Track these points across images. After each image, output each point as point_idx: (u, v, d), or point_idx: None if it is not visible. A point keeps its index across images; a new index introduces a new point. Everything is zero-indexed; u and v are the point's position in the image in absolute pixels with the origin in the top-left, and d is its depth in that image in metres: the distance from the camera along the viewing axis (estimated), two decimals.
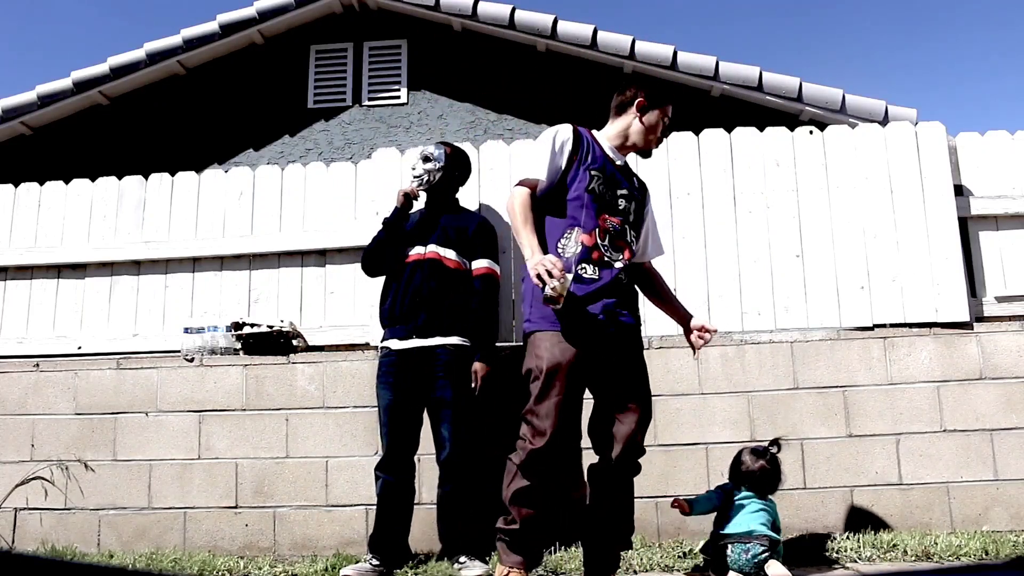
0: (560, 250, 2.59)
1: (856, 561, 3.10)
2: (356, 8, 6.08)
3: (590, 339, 2.56)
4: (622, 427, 2.60)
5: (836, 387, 3.58)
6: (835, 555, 3.16)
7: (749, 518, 2.88)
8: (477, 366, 3.29)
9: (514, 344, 3.55)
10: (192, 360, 3.84)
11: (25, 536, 3.71)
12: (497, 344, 3.52)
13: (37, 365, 3.93)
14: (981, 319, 3.66)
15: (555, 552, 3.27)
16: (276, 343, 3.78)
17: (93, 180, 4.23)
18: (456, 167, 3.54)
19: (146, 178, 4.18)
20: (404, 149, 4.15)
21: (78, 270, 4.11)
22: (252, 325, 3.80)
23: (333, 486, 3.63)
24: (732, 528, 2.89)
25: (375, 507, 3.30)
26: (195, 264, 4.04)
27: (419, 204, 3.59)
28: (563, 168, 2.67)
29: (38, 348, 4.01)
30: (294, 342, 3.82)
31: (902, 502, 3.46)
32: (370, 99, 6.01)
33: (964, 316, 3.62)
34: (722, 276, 3.74)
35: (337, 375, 3.73)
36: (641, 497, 3.03)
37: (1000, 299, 3.70)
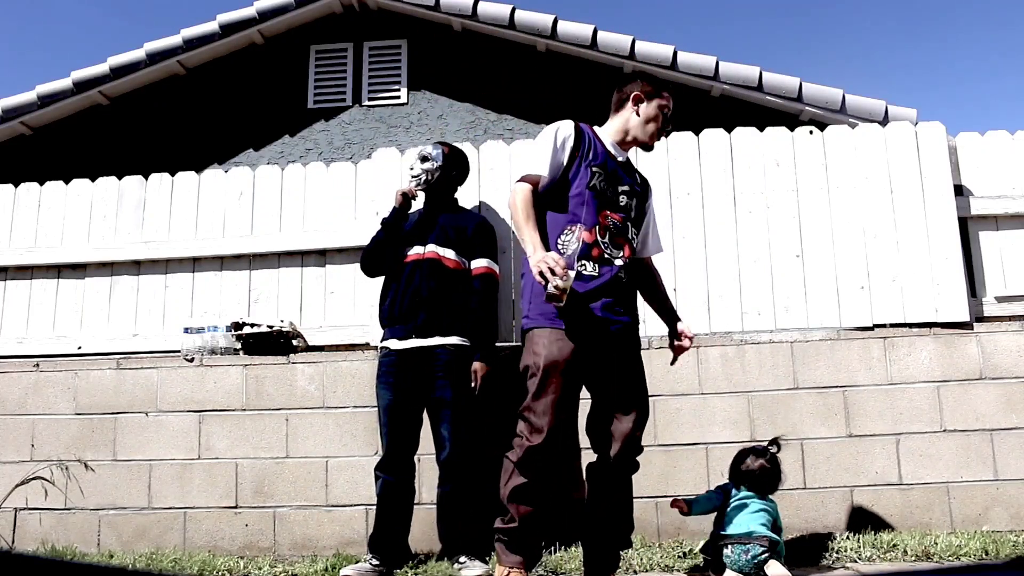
0: (560, 246, 2.59)
1: (856, 561, 3.10)
2: (356, 8, 6.08)
3: (588, 337, 2.56)
4: (620, 425, 2.60)
5: (836, 387, 3.58)
6: (835, 555, 3.15)
7: (749, 518, 2.88)
8: (477, 366, 3.29)
9: (514, 344, 3.55)
10: (192, 360, 3.84)
11: (25, 536, 3.71)
12: (497, 344, 3.52)
13: (37, 365, 3.94)
14: (981, 319, 3.66)
15: (555, 552, 3.27)
16: (276, 343, 3.78)
17: (93, 180, 4.23)
18: (454, 167, 3.54)
19: (146, 178, 4.18)
20: (404, 149, 4.15)
21: (78, 270, 4.11)
22: (252, 325, 3.80)
23: (333, 486, 3.63)
24: (732, 528, 2.89)
25: (375, 507, 3.30)
26: (195, 264, 4.04)
27: (418, 204, 3.59)
28: (565, 164, 2.67)
29: (38, 348, 4.01)
30: (294, 342, 3.82)
31: (902, 502, 3.46)
32: (370, 99, 6.01)
33: (964, 316, 3.62)
34: (722, 276, 3.74)
35: (337, 375, 3.73)
36: (641, 497, 3.03)
37: (1000, 299, 3.70)
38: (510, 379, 2.70)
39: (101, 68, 5.81)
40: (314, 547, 3.57)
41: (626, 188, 2.73)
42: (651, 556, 3.21)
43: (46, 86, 5.82)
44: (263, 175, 4.12)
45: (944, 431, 3.51)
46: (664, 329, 3.56)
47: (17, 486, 3.45)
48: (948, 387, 3.55)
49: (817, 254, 3.74)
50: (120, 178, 4.20)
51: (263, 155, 5.88)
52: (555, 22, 5.50)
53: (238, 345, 3.84)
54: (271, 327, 3.76)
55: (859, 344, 3.62)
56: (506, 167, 3.87)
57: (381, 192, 3.89)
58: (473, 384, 3.27)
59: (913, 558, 3.08)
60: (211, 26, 5.84)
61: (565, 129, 2.71)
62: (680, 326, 2.84)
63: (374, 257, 3.50)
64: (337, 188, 4.03)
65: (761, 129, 3.93)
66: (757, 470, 2.97)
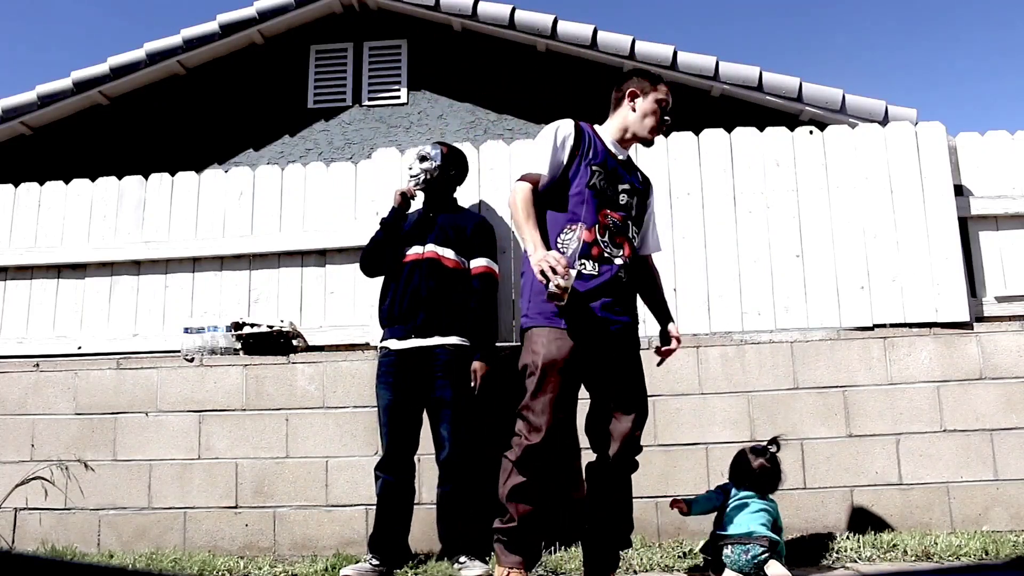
0: (560, 246, 2.59)
1: (856, 561, 3.10)
2: (356, 8, 6.08)
3: (588, 336, 2.57)
4: (619, 425, 2.60)
5: (836, 387, 3.58)
6: (835, 555, 3.15)
7: (749, 518, 2.88)
8: (476, 365, 3.29)
9: (514, 344, 3.55)
10: (192, 360, 3.84)
11: (25, 536, 3.71)
12: (497, 344, 3.52)
13: (37, 365, 3.94)
14: (981, 319, 3.66)
15: (555, 552, 3.27)
16: (276, 343, 3.78)
17: (93, 180, 4.23)
18: (453, 166, 3.54)
19: (146, 178, 4.18)
20: (404, 149, 4.15)
21: (78, 270, 4.11)
22: (252, 325, 3.80)
23: (333, 486, 3.63)
24: (732, 528, 2.89)
25: (375, 507, 3.30)
26: (195, 264, 4.04)
27: (417, 204, 3.59)
28: (564, 163, 2.67)
29: (38, 348, 4.01)
30: (294, 342, 3.82)
31: (902, 502, 3.46)
32: (370, 99, 6.01)
33: (964, 316, 3.62)
34: (722, 276, 3.74)
35: (337, 375, 3.73)
36: (641, 497, 3.03)
37: (1000, 299, 3.71)
38: (510, 379, 2.70)
39: (101, 68, 5.81)
40: (314, 547, 3.57)
41: (627, 187, 2.73)
42: (651, 556, 3.21)
43: (46, 86, 5.82)
44: (263, 175, 4.12)
45: (944, 431, 3.51)
46: (674, 329, 3.58)
47: (17, 486, 3.45)
48: (948, 387, 3.55)
49: (817, 254, 3.74)
50: (120, 178, 4.20)
51: (263, 155, 5.88)
52: (555, 22, 5.50)
53: (238, 345, 3.84)
54: (271, 327, 3.77)
55: (859, 344, 3.62)
56: (506, 167, 3.87)
57: (381, 192, 3.89)
58: (473, 384, 3.27)
59: (913, 558, 3.08)
60: (211, 26, 5.84)
61: (565, 128, 2.71)
62: (671, 327, 2.84)
63: (373, 257, 3.49)
64: (337, 188, 4.03)
65: (761, 129, 3.93)
66: (757, 469, 2.97)
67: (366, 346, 3.78)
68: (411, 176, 3.51)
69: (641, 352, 2.74)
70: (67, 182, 4.25)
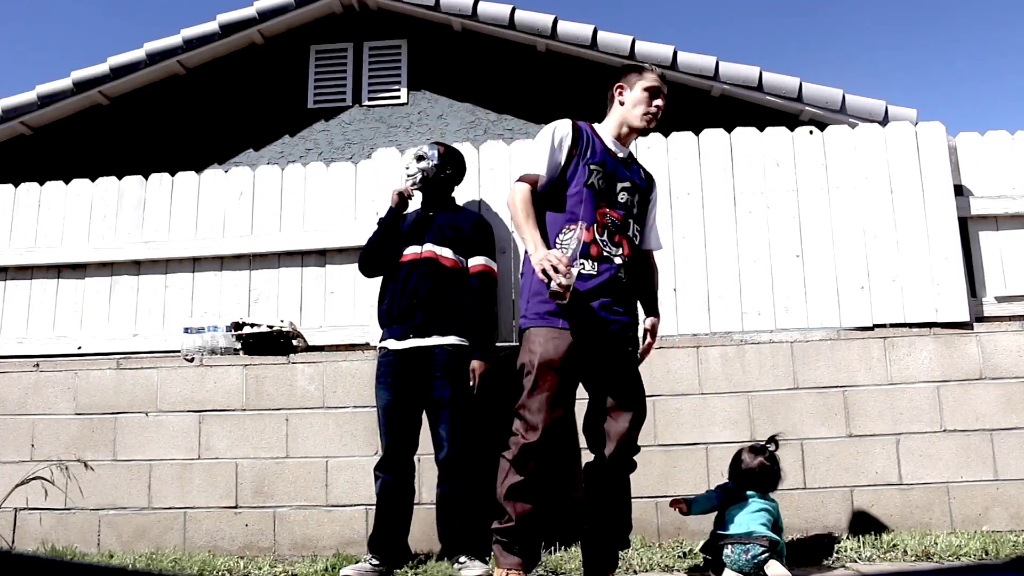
0: (559, 246, 2.59)
1: (856, 561, 3.10)
2: (356, 8, 6.08)
3: (586, 335, 2.57)
4: (616, 425, 2.60)
5: (836, 387, 3.58)
6: (835, 555, 3.15)
7: (749, 518, 2.88)
8: (475, 364, 3.28)
9: (514, 344, 3.55)
10: (192, 360, 3.84)
11: (25, 536, 3.71)
12: (497, 344, 3.52)
13: (37, 365, 3.94)
14: (981, 319, 3.66)
15: (555, 552, 3.27)
16: (276, 343, 3.78)
17: (93, 180, 4.23)
18: (450, 165, 3.54)
19: (146, 178, 4.18)
20: (404, 149, 4.15)
21: (78, 270, 4.11)
22: (252, 325, 3.80)
23: (333, 486, 3.63)
24: (732, 528, 2.89)
25: (375, 507, 3.30)
26: (195, 264, 4.04)
27: (416, 204, 3.59)
28: (562, 164, 2.68)
29: (38, 348, 4.01)
30: (294, 342, 3.82)
31: (902, 502, 3.46)
32: (370, 99, 6.01)
33: (964, 316, 3.62)
34: (722, 276, 3.74)
35: (337, 375, 3.73)
36: (641, 497, 3.04)
37: (1000, 299, 3.71)
38: (510, 379, 2.70)
39: (101, 68, 5.81)
40: (314, 547, 3.57)
41: (627, 185, 2.73)
42: (651, 556, 3.21)
43: (46, 86, 5.82)
44: (263, 175, 4.12)
45: (944, 431, 3.51)
46: (664, 329, 3.59)
47: (17, 486, 3.45)
48: (948, 387, 3.55)
49: (817, 254, 3.74)
50: (120, 178, 4.20)
51: (263, 155, 5.88)
52: (555, 22, 5.50)
53: (238, 345, 3.84)
54: (271, 327, 3.77)
55: (859, 344, 3.62)
56: (506, 167, 3.87)
57: (381, 192, 3.89)
58: (472, 383, 3.27)
59: (913, 558, 3.08)
60: (211, 26, 5.84)
61: (562, 129, 2.72)
62: (650, 322, 2.79)
63: (371, 257, 3.50)
64: (337, 188, 4.03)
65: (761, 129, 3.93)
66: (756, 468, 2.97)
67: (366, 346, 3.78)
68: (408, 175, 3.52)
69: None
70: (67, 182, 4.25)
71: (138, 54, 5.82)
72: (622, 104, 2.78)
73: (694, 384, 3.61)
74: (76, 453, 3.70)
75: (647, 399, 2.72)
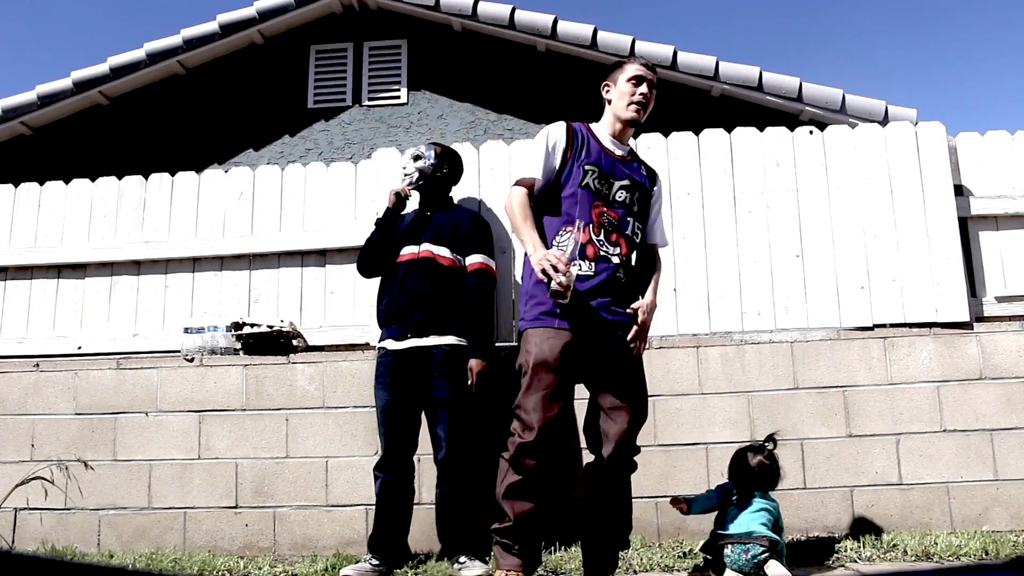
0: (556, 247, 2.60)
1: (856, 561, 3.10)
2: (356, 8, 6.08)
3: (585, 335, 2.57)
4: (615, 426, 2.60)
5: (836, 387, 3.58)
6: (835, 555, 3.15)
7: (749, 518, 2.88)
8: (473, 363, 3.28)
9: (513, 344, 3.55)
10: (192, 360, 3.84)
11: (25, 536, 3.71)
12: (497, 344, 3.52)
13: (37, 365, 3.94)
14: (981, 319, 3.66)
15: (555, 552, 3.27)
16: (276, 343, 3.78)
17: (93, 180, 4.23)
18: (447, 164, 3.55)
19: (146, 178, 4.18)
20: (404, 149, 4.14)
21: (78, 270, 4.11)
22: (252, 325, 3.80)
23: (333, 486, 3.63)
24: (732, 528, 2.89)
25: (375, 507, 3.30)
26: (195, 264, 4.04)
27: (414, 204, 3.60)
28: (557, 167, 2.69)
29: (38, 348, 4.01)
30: (294, 342, 3.82)
31: (902, 502, 3.46)
32: (370, 99, 6.01)
33: (964, 316, 3.62)
34: (722, 276, 3.74)
35: (337, 375, 3.73)
36: (641, 497, 3.03)
37: (1000, 299, 3.70)
38: (509, 379, 2.70)
39: (101, 68, 5.81)
40: (314, 547, 3.57)
41: (625, 182, 2.73)
42: (651, 556, 3.21)
43: (46, 86, 5.82)
44: (263, 175, 4.12)
45: (944, 431, 3.51)
46: (664, 329, 3.60)
47: (17, 486, 3.45)
48: (948, 387, 3.55)
49: (817, 254, 3.74)
50: (120, 178, 4.20)
51: (263, 155, 5.88)
52: (555, 22, 5.50)
53: (238, 345, 3.84)
54: (271, 327, 3.77)
55: (859, 344, 3.62)
56: (506, 167, 3.87)
57: (381, 192, 3.89)
58: (470, 381, 3.27)
59: (913, 558, 3.08)
60: (211, 26, 5.84)
61: (555, 133, 2.73)
62: (633, 305, 2.67)
63: (370, 257, 3.50)
64: (337, 188, 4.03)
65: (761, 129, 3.93)
66: (756, 467, 2.97)
67: (366, 346, 3.78)
68: (405, 175, 3.53)
69: (644, 354, 2.73)
70: (67, 182, 4.25)
71: (138, 54, 5.82)
72: (610, 101, 2.80)
73: (694, 384, 3.61)
74: (76, 453, 3.70)
75: (648, 399, 2.72)
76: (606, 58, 5.51)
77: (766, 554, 2.78)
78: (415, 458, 3.37)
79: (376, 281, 3.56)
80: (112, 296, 4.06)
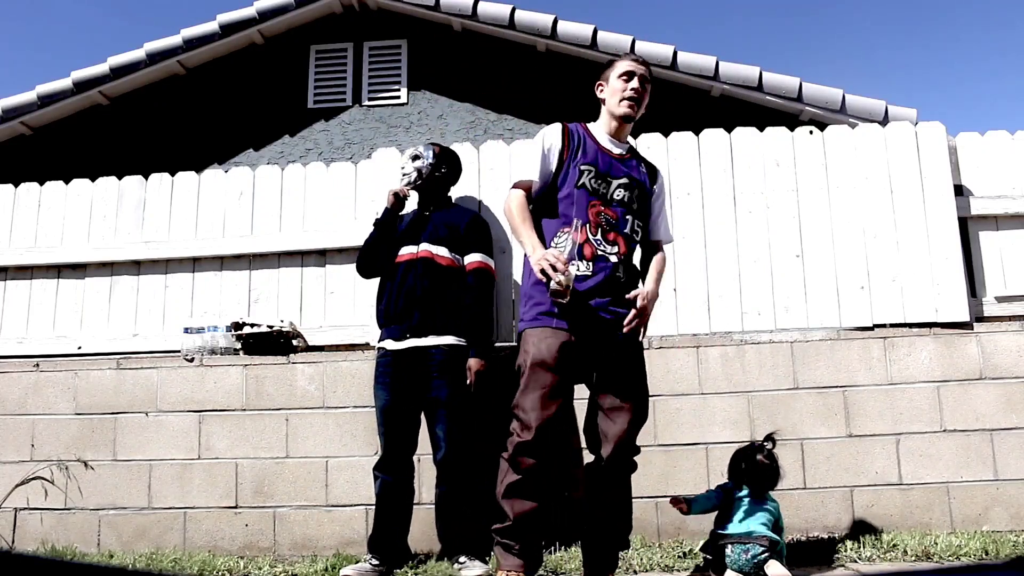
0: (555, 247, 2.60)
1: (856, 561, 3.10)
2: (356, 8, 6.08)
3: (583, 335, 2.57)
4: (613, 426, 2.60)
5: (836, 387, 3.58)
6: (835, 555, 3.15)
7: (749, 518, 2.88)
8: (472, 362, 3.28)
9: (513, 344, 3.55)
10: (192, 360, 3.84)
11: (25, 536, 3.71)
12: (497, 344, 3.52)
13: (37, 365, 3.94)
14: (981, 319, 3.66)
15: (555, 552, 3.27)
16: (276, 343, 3.78)
17: (93, 180, 4.23)
18: (445, 164, 3.55)
19: (146, 178, 4.18)
20: (404, 149, 4.14)
21: (78, 270, 4.11)
22: (252, 325, 3.80)
23: (333, 486, 3.63)
24: (732, 528, 2.89)
25: (374, 507, 3.30)
26: (195, 264, 4.04)
27: (412, 204, 3.60)
28: (554, 170, 2.71)
29: (38, 348, 4.01)
30: (294, 342, 3.82)
31: (902, 502, 3.46)
32: (370, 99, 6.01)
33: (964, 316, 3.62)
34: (722, 276, 3.74)
35: (337, 375, 3.73)
36: (641, 497, 3.03)
37: (1000, 299, 3.71)
38: (509, 379, 2.70)
39: (101, 68, 5.81)
40: (314, 547, 3.57)
41: (623, 181, 2.72)
42: (651, 556, 3.21)
43: (46, 86, 5.82)
44: (263, 175, 4.12)
45: (944, 431, 3.51)
46: (664, 329, 3.60)
47: (17, 486, 3.45)
48: (948, 387, 3.55)
49: (817, 254, 3.74)
50: (120, 178, 4.20)
51: (263, 155, 5.88)
52: (555, 22, 5.50)
53: (238, 345, 3.84)
54: (271, 327, 3.77)
55: (859, 344, 3.62)
56: (506, 167, 3.87)
57: (381, 192, 3.88)
58: (468, 381, 3.27)
59: (913, 558, 3.08)
60: (211, 26, 5.84)
61: (551, 135, 2.75)
62: (636, 291, 2.64)
63: (368, 258, 3.50)
64: (337, 188, 4.03)
65: (761, 129, 3.93)
66: (756, 467, 2.97)
67: (366, 346, 3.78)
68: (403, 174, 3.53)
69: (644, 354, 2.73)
70: (67, 182, 4.25)
71: (138, 54, 5.82)
72: (605, 100, 2.81)
73: (694, 384, 3.61)
74: (76, 453, 3.70)
75: (648, 399, 2.71)
76: (606, 58, 5.49)
77: (766, 554, 2.78)
78: (415, 458, 3.37)
79: (376, 281, 3.56)
80: (112, 296, 4.06)
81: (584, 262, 2.60)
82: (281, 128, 5.98)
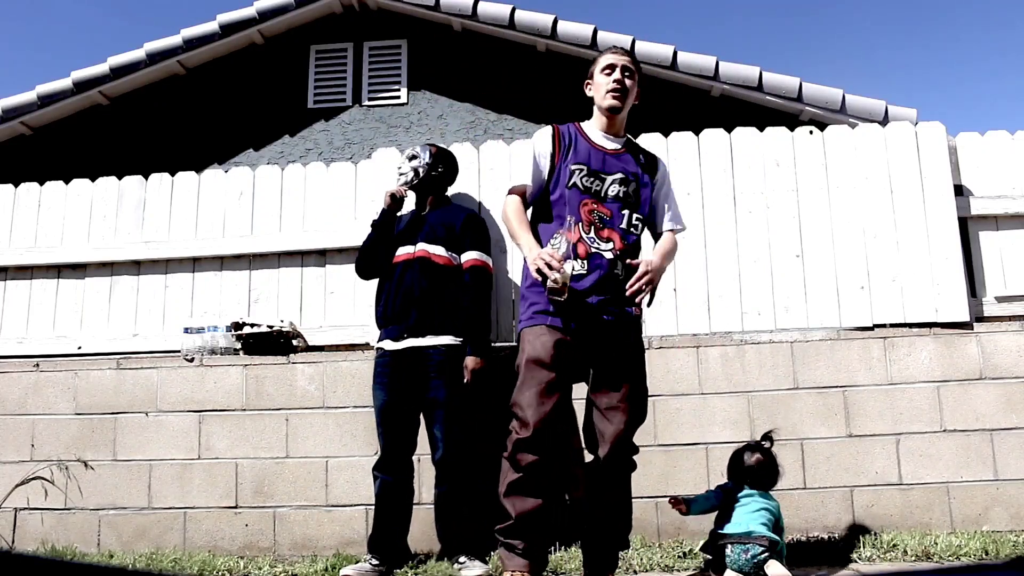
0: (550, 247, 2.61)
1: (856, 561, 3.10)
2: (356, 8, 6.08)
3: (581, 335, 2.57)
4: (610, 426, 2.59)
5: (836, 387, 3.58)
6: (835, 555, 3.15)
7: (749, 518, 2.88)
8: (468, 360, 3.28)
9: (513, 344, 3.55)
10: (192, 360, 3.84)
11: (25, 536, 3.71)
12: (497, 344, 3.52)
13: (37, 365, 3.94)
14: (981, 319, 3.66)
15: (555, 552, 3.27)
16: (276, 343, 3.78)
17: (93, 180, 4.23)
18: (441, 164, 3.56)
19: (146, 178, 4.18)
20: (404, 149, 4.14)
21: (78, 270, 4.11)
22: (252, 325, 3.80)
23: (333, 486, 3.63)
24: (731, 528, 2.89)
25: (374, 507, 3.30)
26: (195, 264, 4.04)
27: (411, 205, 3.61)
28: (546, 175, 2.73)
29: (38, 348, 4.01)
30: (294, 342, 3.82)
31: (902, 502, 3.45)
32: (370, 99, 6.01)
33: (964, 316, 3.62)
34: (722, 276, 3.74)
35: (337, 375, 3.73)
36: (641, 497, 3.03)
37: (1000, 299, 3.70)
38: (509, 379, 2.70)
39: (101, 68, 5.81)
40: (314, 547, 3.57)
41: (618, 176, 2.72)
42: (651, 556, 3.21)
43: (46, 86, 5.81)
44: (263, 175, 4.12)
45: (944, 431, 3.51)
46: (664, 329, 3.60)
47: (17, 486, 3.45)
48: (948, 387, 3.55)
49: (817, 254, 3.74)
50: (120, 178, 4.20)
51: (263, 155, 5.87)
52: (555, 22, 5.50)
53: (238, 345, 3.84)
54: (271, 327, 3.77)
55: (859, 344, 3.62)
56: (506, 167, 3.87)
57: (381, 192, 3.88)
58: (465, 379, 3.27)
59: (913, 558, 3.08)
60: (211, 26, 5.83)
61: (541, 141, 2.77)
62: (639, 259, 2.63)
63: (367, 259, 3.51)
64: (337, 188, 4.03)
65: (761, 129, 3.93)
66: (755, 465, 2.97)
67: (366, 346, 3.78)
68: (400, 174, 3.54)
69: (645, 354, 2.73)
70: (67, 182, 4.25)
71: (138, 54, 5.81)
72: (593, 97, 2.82)
73: (694, 384, 3.61)
74: (76, 453, 3.70)
75: (647, 399, 2.71)
76: None
77: (766, 554, 2.78)
78: (415, 458, 3.37)
79: (376, 282, 3.56)
80: (112, 296, 4.06)
81: (579, 260, 2.60)
82: (281, 128, 5.98)
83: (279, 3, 5.82)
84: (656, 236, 2.84)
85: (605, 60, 2.79)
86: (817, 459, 3.51)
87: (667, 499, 3.10)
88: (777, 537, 2.86)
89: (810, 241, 3.76)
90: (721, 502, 3.00)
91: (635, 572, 3.13)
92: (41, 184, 4.26)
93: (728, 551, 2.84)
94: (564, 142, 2.74)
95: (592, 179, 2.69)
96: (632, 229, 2.71)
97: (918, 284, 3.67)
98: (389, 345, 3.34)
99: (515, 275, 3.71)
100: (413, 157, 3.54)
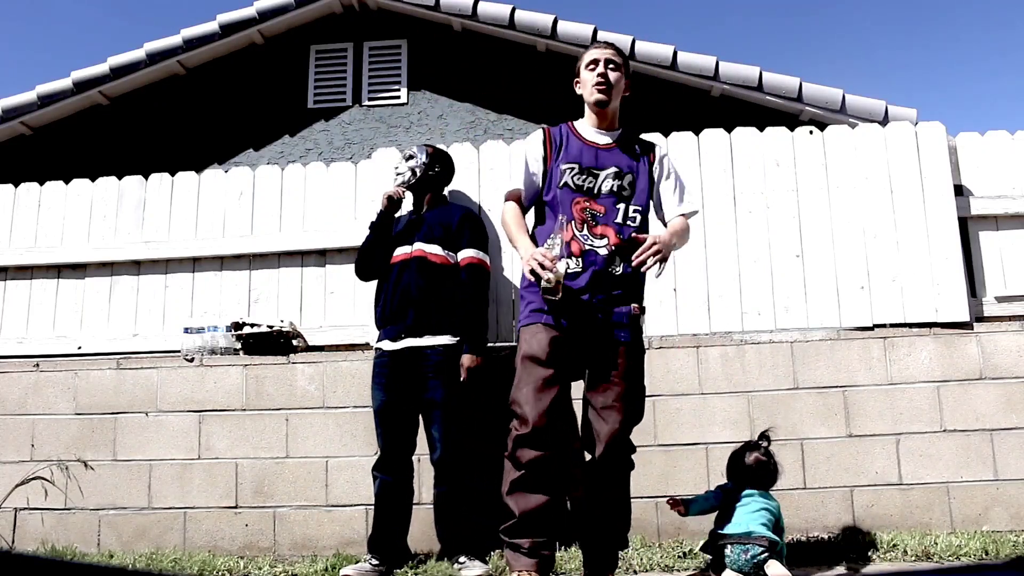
0: (545, 247, 2.61)
1: (856, 561, 3.10)
2: (356, 8, 6.08)
3: (577, 333, 2.58)
4: (606, 426, 2.59)
5: (836, 387, 3.58)
6: (835, 555, 3.15)
7: (749, 518, 2.87)
8: (464, 358, 3.28)
9: (513, 344, 3.55)
10: (192, 360, 3.84)
11: (25, 536, 3.71)
12: (497, 344, 3.52)
13: (37, 365, 3.93)
14: (981, 319, 3.66)
15: (555, 552, 3.26)
16: (276, 343, 3.78)
17: (93, 180, 4.23)
18: (438, 164, 3.57)
19: (146, 178, 4.18)
20: (403, 149, 4.15)
21: (78, 270, 4.11)
22: (252, 325, 3.80)
23: (333, 486, 3.63)
24: (731, 528, 2.88)
25: (374, 507, 3.30)
26: (195, 264, 4.04)
27: (408, 205, 3.61)
28: (539, 178, 2.76)
29: (38, 348, 4.01)
30: (294, 342, 3.82)
31: (902, 502, 3.45)
32: (370, 99, 6.01)
33: (964, 316, 3.62)
34: (722, 276, 3.74)
35: (337, 375, 3.73)
36: (641, 497, 3.03)
37: (1000, 299, 3.70)
38: (509, 379, 2.70)
39: (101, 68, 5.80)
40: (314, 547, 3.57)
41: (612, 170, 2.71)
42: (651, 556, 3.21)
43: (46, 86, 5.81)
44: (263, 175, 4.12)
45: (944, 431, 3.51)
46: (664, 329, 3.60)
47: (17, 486, 3.45)
48: (948, 387, 3.55)
49: (817, 254, 3.74)
50: (120, 178, 4.20)
51: (263, 155, 5.87)
52: (555, 22, 5.50)
53: (238, 345, 3.84)
54: (271, 327, 3.77)
55: (859, 344, 3.62)
56: (506, 167, 3.87)
57: (381, 192, 3.89)
58: (461, 378, 3.27)
59: (913, 558, 3.08)
60: (211, 26, 5.83)
61: (532, 145, 2.80)
62: (651, 236, 2.61)
63: (366, 260, 3.52)
64: (337, 188, 4.03)
65: (761, 129, 3.93)
66: (753, 465, 2.97)
67: (366, 346, 3.78)
68: (397, 174, 3.55)
69: (644, 353, 2.73)
70: (67, 182, 4.25)
71: (138, 54, 5.81)
72: (582, 92, 2.83)
73: (694, 384, 3.61)
74: (76, 453, 3.70)
75: (647, 399, 2.71)
76: None
77: (766, 554, 2.78)
78: (415, 458, 3.37)
79: (375, 282, 3.56)
80: (112, 296, 4.06)
81: (574, 259, 2.60)
82: (281, 128, 5.98)
83: (279, 3, 5.82)
84: (665, 225, 2.79)
85: (589, 56, 2.80)
86: (817, 459, 3.51)
87: (666, 500, 3.09)
88: (777, 537, 2.86)
89: (810, 241, 3.76)
90: (721, 502, 3.00)
91: (635, 572, 3.13)
92: (41, 184, 4.26)
93: (728, 551, 2.84)
94: (555, 143, 2.76)
95: (584, 176, 2.69)
96: (629, 222, 2.67)
97: (918, 284, 3.67)
98: (387, 345, 3.34)
99: (514, 277, 3.71)
100: (410, 157, 3.55)
